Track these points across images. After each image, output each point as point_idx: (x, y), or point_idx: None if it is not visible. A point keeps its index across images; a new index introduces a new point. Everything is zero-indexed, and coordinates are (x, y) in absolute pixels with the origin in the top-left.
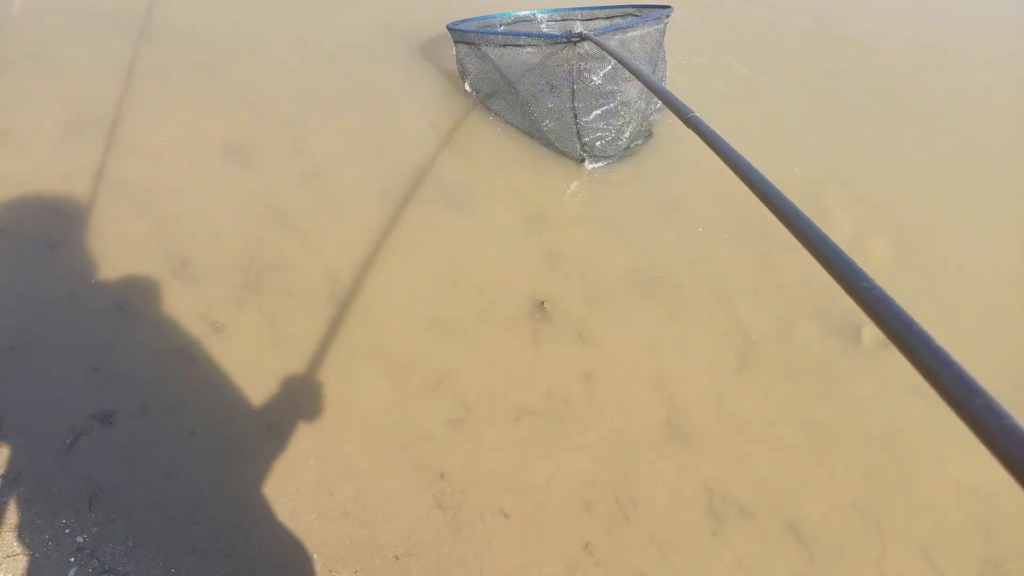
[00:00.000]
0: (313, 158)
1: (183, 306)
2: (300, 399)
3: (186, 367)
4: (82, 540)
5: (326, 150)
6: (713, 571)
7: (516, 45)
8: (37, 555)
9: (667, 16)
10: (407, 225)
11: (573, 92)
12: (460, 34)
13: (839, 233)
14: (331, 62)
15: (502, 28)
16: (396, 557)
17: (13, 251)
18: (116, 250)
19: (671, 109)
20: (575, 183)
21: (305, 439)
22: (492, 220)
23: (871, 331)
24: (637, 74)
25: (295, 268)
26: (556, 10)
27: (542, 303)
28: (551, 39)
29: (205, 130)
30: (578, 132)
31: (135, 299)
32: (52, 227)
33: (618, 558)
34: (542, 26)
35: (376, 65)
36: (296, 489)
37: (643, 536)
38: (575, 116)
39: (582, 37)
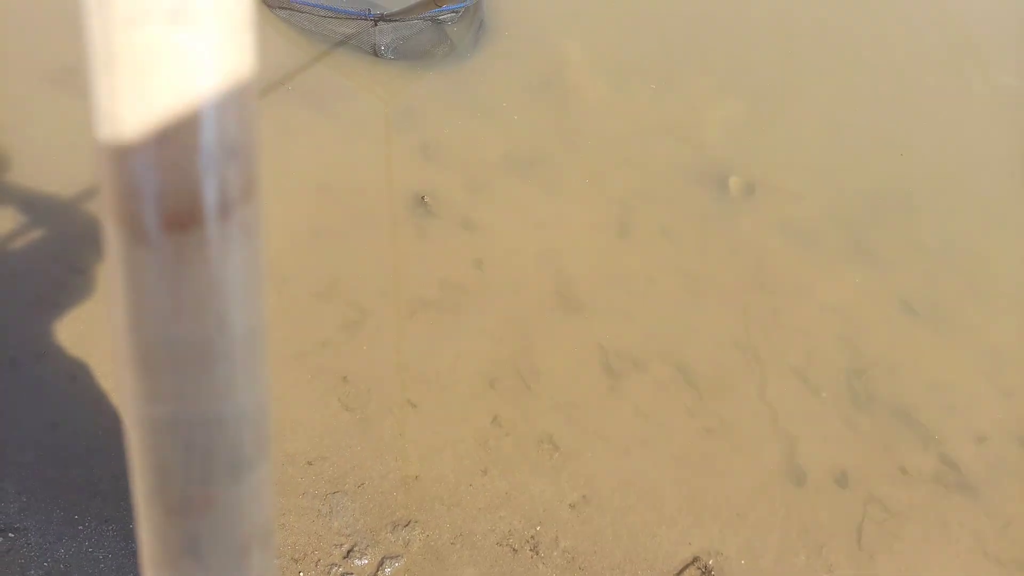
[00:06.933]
0: None
1: (44, 251)
2: None
3: (50, 314)
4: None
5: None
6: (614, 423)
7: (321, 17)
8: None
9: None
10: (268, 132)
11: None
12: None
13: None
14: None
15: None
16: (309, 463)
17: None
18: None
19: None
20: (438, 71)
21: None
22: (357, 117)
23: (737, 180)
24: None
25: None
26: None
27: (423, 197)
28: (351, 15)
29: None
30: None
31: None
32: None
33: (525, 426)
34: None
35: None
36: None
37: (546, 402)
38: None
39: (382, 18)
